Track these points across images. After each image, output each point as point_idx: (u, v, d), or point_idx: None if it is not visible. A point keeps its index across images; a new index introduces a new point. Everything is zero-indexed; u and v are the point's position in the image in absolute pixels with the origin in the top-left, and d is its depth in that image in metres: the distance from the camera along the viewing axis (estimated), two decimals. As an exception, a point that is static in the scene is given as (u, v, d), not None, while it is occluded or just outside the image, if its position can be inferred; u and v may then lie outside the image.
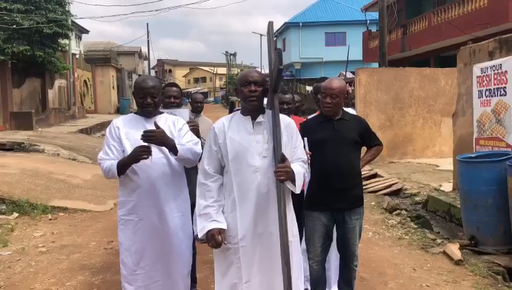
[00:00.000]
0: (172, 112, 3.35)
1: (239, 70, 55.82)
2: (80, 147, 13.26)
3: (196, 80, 78.63)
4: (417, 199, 7.54)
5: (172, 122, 3.19)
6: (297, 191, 2.70)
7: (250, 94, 2.69)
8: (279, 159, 2.57)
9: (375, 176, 9.37)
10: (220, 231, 2.66)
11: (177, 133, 3.14)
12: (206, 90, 69.46)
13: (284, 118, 2.79)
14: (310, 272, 3.54)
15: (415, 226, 6.15)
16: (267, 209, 2.65)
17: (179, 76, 74.76)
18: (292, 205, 2.83)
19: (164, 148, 3.02)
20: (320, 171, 3.31)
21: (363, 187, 8.33)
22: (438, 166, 9.83)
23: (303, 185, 2.78)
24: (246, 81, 2.71)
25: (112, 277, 4.48)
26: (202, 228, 2.69)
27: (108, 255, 5.23)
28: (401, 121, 11.09)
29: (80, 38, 32.05)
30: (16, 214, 6.85)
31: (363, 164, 3.59)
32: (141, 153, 2.91)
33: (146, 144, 2.90)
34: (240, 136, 2.72)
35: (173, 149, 2.98)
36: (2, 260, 5.05)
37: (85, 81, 27.29)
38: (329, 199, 3.36)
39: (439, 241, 5.49)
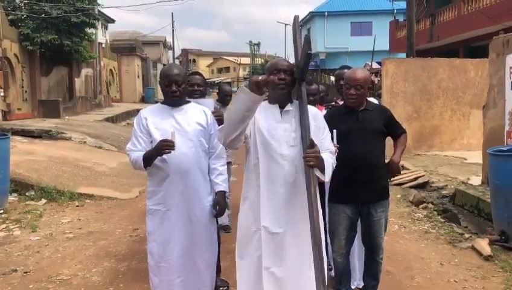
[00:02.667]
0: (197, 101, 3.34)
1: (263, 60, 55.52)
2: (106, 135, 13.43)
3: (220, 70, 78.69)
4: (444, 192, 7.38)
5: (200, 112, 3.18)
6: (327, 180, 2.67)
7: (280, 82, 2.66)
8: (308, 145, 2.53)
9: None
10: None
11: (207, 127, 3.16)
12: (229, 80, 69.47)
13: (311, 109, 2.75)
14: (334, 264, 3.51)
15: (442, 220, 6.04)
16: (293, 199, 2.62)
17: (203, 66, 74.94)
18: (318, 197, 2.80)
19: (193, 137, 3.03)
20: (345, 163, 3.21)
21: (389, 179, 8.25)
22: (466, 159, 9.61)
23: None
24: (276, 69, 2.68)
25: (137, 265, 4.53)
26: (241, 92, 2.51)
27: (133, 242, 5.29)
28: (429, 112, 10.86)
29: (106, 27, 32.34)
30: (44, 201, 7.00)
31: (399, 155, 3.49)
32: (164, 148, 2.91)
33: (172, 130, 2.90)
34: (267, 124, 2.70)
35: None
36: (31, 245, 5.16)
37: (111, 70, 27.59)
38: (354, 191, 3.30)
39: (467, 236, 5.37)
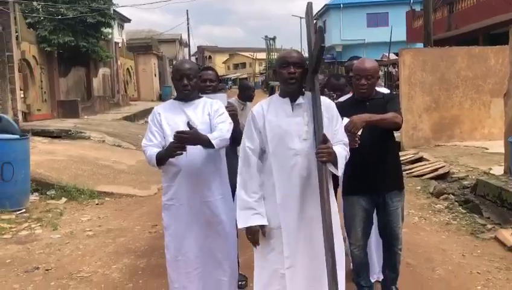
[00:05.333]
0: (210, 96, 3.33)
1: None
2: (124, 133, 13.57)
3: (236, 66, 78.74)
4: (465, 183, 7.24)
5: (210, 104, 3.17)
6: (339, 174, 2.62)
7: (289, 76, 2.61)
8: (321, 140, 2.49)
9: (420, 159, 9.09)
10: (261, 228, 2.63)
11: (213, 113, 3.12)
12: (245, 75, 69.44)
13: (324, 100, 2.70)
14: (351, 257, 3.48)
15: (464, 211, 5.93)
16: (308, 193, 2.58)
17: (219, 62, 75.05)
18: (333, 190, 2.76)
19: (203, 131, 3.00)
20: (356, 153, 3.19)
21: (408, 171, 8.14)
22: (487, 149, 9.42)
23: None
24: (285, 63, 2.63)
25: (156, 261, 4.56)
26: (243, 220, 2.64)
27: (152, 239, 5.32)
28: (448, 102, 10.67)
29: (122, 27, 32.64)
30: (64, 199, 7.09)
31: (369, 116, 3.10)
32: (175, 150, 2.90)
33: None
34: (278, 118, 2.66)
35: (209, 145, 2.95)
36: (52, 243, 5.23)
37: (128, 69, 27.84)
38: (368, 182, 3.27)
39: (489, 226, 5.26)
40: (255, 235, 2.63)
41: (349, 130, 2.94)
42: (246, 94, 5.06)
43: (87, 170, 8.62)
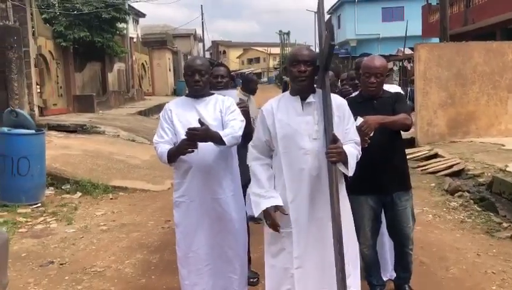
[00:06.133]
0: (222, 92, 3.33)
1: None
2: (139, 128, 13.64)
3: (250, 61, 78.58)
4: (481, 180, 7.14)
5: (222, 101, 3.16)
6: (350, 174, 2.59)
7: (300, 74, 2.59)
8: (331, 140, 2.47)
9: (435, 156, 8.99)
10: (277, 208, 2.60)
11: (225, 110, 3.11)
12: (259, 70, 69.30)
13: (335, 98, 2.68)
14: (361, 257, 3.45)
15: (479, 209, 5.85)
16: (318, 193, 2.56)
17: (233, 57, 74.99)
18: (344, 188, 2.73)
19: (215, 128, 3.00)
20: (365, 153, 3.17)
21: (423, 168, 8.04)
22: (503, 145, 9.27)
23: None
24: (295, 61, 2.61)
25: (169, 256, 4.58)
26: (257, 207, 2.62)
27: (165, 234, 5.35)
28: (464, 98, 10.52)
29: (137, 22, 32.79)
30: (79, 194, 7.16)
31: (382, 118, 3.11)
32: (187, 147, 2.90)
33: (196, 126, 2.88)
34: (288, 117, 2.64)
35: (220, 142, 2.94)
36: (67, 237, 5.29)
37: (143, 64, 27.97)
38: (374, 181, 3.25)
39: (505, 225, 5.19)
40: (271, 217, 2.58)
41: (362, 130, 2.93)
42: (249, 87, 5.05)
43: (101, 165, 8.69)
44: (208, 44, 58.91)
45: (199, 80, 3.09)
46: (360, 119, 3.04)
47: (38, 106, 12.61)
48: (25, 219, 5.93)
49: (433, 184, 7.29)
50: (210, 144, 2.97)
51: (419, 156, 9.13)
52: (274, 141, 2.67)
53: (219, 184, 3.12)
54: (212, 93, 3.26)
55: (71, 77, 16.54)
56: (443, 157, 8.67)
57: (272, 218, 2.58)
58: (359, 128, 2.92)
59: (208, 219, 3.14)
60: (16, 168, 6.41)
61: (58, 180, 7.52)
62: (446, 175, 7.66)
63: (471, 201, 6.20)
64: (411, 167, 8.28)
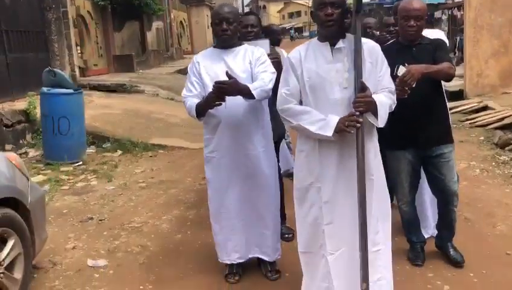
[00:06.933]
0: (251, 43, 3.15)
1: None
2: (178, 87, 13.58)
3: (291, 15, 76.83)
4: (535, 132, 6.72)
5: (251, 51, 2.99)
6: (381, 125, 2.39)
7: (327, 18, 2.37)
8: (359, 88, 2.28)
9: (485, 108, 8.51)
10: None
11: (254, 61, 2.94)
12: (301, 25, 67.69)
13: (367, 42, 2.45)
14: (400, 214, 3.33)
15: (532, 163, 5.51)
16: (352, 145, 2.37)
17: (273, 12, 73.53)
18: (376, 139, 2.54)
19: (245, 80, 2.85)
20: (401, 104, 2.94)
21: (471, 121, 7.65)
22: (561, 95, 8.68)
23: None
24: (322, 3, 2.38)
25: (205, 212, 4.52)
26: (327, 124, 2.35)
27: (202, 191, 5.31)
28: (519, 46, 9.82)
29: (174, -21, 32.35)
30: (119, 152, 7.26)
31: (425, 67, 2.87)
32: (214, 100, 2.76)
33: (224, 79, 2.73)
34: (317, 65, 2.44)
35: (249, 96, 2.79)
36: (107, 194, 5.38)
37: (181, 22, 27.80)
38: (415, 135, 3.05)
39: (560, 179, 4.86)
40: (342, 126, 2.32)
41: (405, 80, 2.71)
42: (272, 38, 4.80)
43: (141, 123, 8.77)
44: (247, -1, 57.86)
45: (227, 28, 2.92)
46: (402, 68, 2.83)
47: (79, 67, 12.77)
48: (67, 177, 6.07)
49: (482, 138, 6.93)
50: (239, 97, 2.83)
51: (467, 108, 8.67)
52: (302, 92, 2.50)
53: (249, 139, 3.00)
54: (242, 44, 3.09)
55: (110, 37, 16.61)
56: (493, 109, 8.19)
57: (345, 125, 2.31)
58: (402, 78, 2.72)
59: (239, 174, 3.05)
60: (56, 128, 6.53)
61: (99, 139, 7.65)
62: (496, 128, 7.25)
63: (524, 155, 5.84)
64: (459, 120, 7.92)
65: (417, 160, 3.15)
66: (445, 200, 3.18)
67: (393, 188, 3.28)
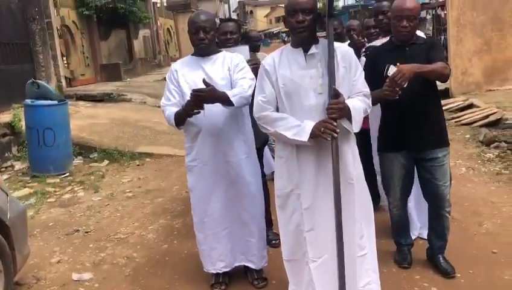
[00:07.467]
0: (231, 50, 3.13)
1: (321, 4, 53.49)
2: (165, 94, 13.61)
3: (278, 19, 76.83)
4: (520, 129, 6.76)
5: (230, 58, 2.97)
6: (355, 130, 2.38)
7: (298, 25, 2.36)
8: (332, 94, 2.27)
9: (470, 106, 8.56)
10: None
11: (233, 68, 2.92)
12: (288, 29, 67.75)
13: (340, 47, 2.45)
14: (390, 216, 3.29)
15: (517, 160, 5.54)
16: (329, 150, 2.35)
17: (260, 16, 73.70)
18: (354, 143, 2.53)
19: (223, 88, 2.83)
20: (393, 106, 2.90)
21: (457, 119, 7.69)
22: (545, 91, 8.75)
23: (365, 122, 2.47)
24: (293, 10, 2.37)
25: (191, 221, 4.34)
26: (302, 130, 2.34)
27: (189, 199, 5.10)
28: (501, 43, 9.89)
29: (160, -14, 32.28)
30: (106, 162, 7.21)
31: (417, 66, 2.78)
32: (192, 109, 2.74)
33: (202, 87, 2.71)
34: (291, 72, 2.43)
35: (227, 102, 2.77)
36: (93, 206, 5.33)
37: (168, 29, 27.74)
38: (408, 137, 2.99)
39: (545, 175, 4.89)
40: (317, 131, 2.31)
41: (396, 80, 2.64)
42: (251, 44, 4.79)
43: (128, 132, 8.72)
44: (234, 5, 57.93)
45: (204, 37, 2.90)
46: (393, 68, 2.75)
47: (66, 77, 12.68)
48: (53, 189, 6.01)
49: (467, 136, 6.97)
50: (218, 105, 2.81)
51: (453, 107, 8.72)
52: (278, 98, 2.49)
53: (230, 146, 2.98)
54: (220, 51, 3.07)
55: (96, 46, 16.53)
56: (478, 107, 8.24)
57: (320, 130, 2.30)
58: (392, 78, 2.65)
59: (222, 182, 3.03)
60: (42, 140, 6.46)
61: (86, 150, 7.59)
62: (482, 126, 7.30)
63: (509, 152, 5.89)
64: (445, 118, 7.93)
65: (411, 163, 3.08)
66: (436, 204, 3.11)
67: (385, 190, 3.26)
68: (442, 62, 2.89)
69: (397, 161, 3.07)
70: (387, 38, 3.47)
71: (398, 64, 2.77)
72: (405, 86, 2.68)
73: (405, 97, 2.77)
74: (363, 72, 2.53)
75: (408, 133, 3.00)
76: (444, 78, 2.93)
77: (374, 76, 2.82)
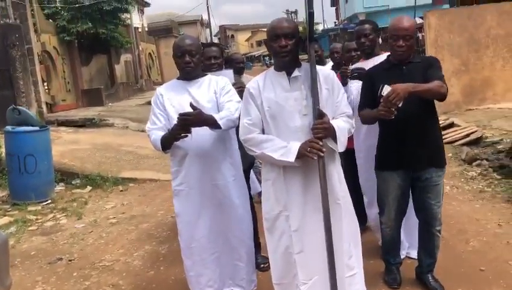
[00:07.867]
0: (216, 74, 3.14)
1: (301, 28, 54.38)
2: (148, 118, 13.53)
3: (259, 43, 77.70)
4: (500, 147, 6.88)
5: (216, 81, 2.98)
6: (340, 150, 2.41)
7: (281, 50, 2.40)
8: (316, 115, 2.30)
9: (451, 125, 8.70)
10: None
11: (219, 91, 2.93)
12: (270, 53, 68.43)
13: (322, 70, 2.49)
14: (382, 235, 3.27)
15: (499, 177, 5.62)
16: (316, 171, 2.36)
17: (242, 40, 74.46)
18: (339, 164, 2.55)
19: (210, 111, 2.83)
20: (391, 124, 2.87)
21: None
22: (522, 110, 8.96)
23: (350, 142, 2.49)
24: (275, 35, 2.41)
25: (178, 246, 4.33)
26: (288, 151, 2.36)
27: (174, 224, 5.11)
28: (478, 64, 10.16)
29: (142, 12, 32.55)
30: (89, 188, 7.09)
31: (412, 86, 2.72)
32: (179, 133, 2.73)
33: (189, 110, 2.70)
34: (276, 94, 2.46)
35: (215, 125, 2.77)
36: (76, 233, 5.21)
37: (150, 54, 27.85)
38: (403, 157, 2.98)
39: (527, 192, 4.96)
40: (303, 151, 2.32)
41: (390, 100, 2.61)
42: (234, 67, 4.81)
43: (110, 157, 8.62)
44: (215, 29, 58.59)
45: (190, 61, 2.92)
46: (387, 88, 2.70)
47: (47, 103, 12.59)
48: (35, 217, 5.87)
49: (449, 154, 7.04)
50: (205, 128, 2.81)
51: (434, 126, 8.85)
52: (263, 121, 2.51)
53: (218, 169, 2.96)
54: (205, 74, 3.08)
55: (78, 71, 16.49)
56: (459, 126, 8.39)
57: (306, 151, 2.31)
58: (386, 98, 2.61)
59: (210, 206, 3.00)
60: (23, 166, 6.34)
61: (68, 176, 7.46)
62: (463, 144, 7.41)
63: (490, 169, 5.96)
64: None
65: (407, 183, 3.05)
66: (428, 223, 3.10)
67: (379, 209, 3.22)
68: (439, 81, 2.85)
69: (393, 180, 3.05)
70: (368, 60, 3.54)
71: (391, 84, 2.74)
72: (400, 105, 2.66)
73: (401, 116, 2.75)
74: (346, 95, 2.56)
75: (405, 152, 2.99)
76: (441, 97, 2.89)
77: (372, 95, 2.84)
